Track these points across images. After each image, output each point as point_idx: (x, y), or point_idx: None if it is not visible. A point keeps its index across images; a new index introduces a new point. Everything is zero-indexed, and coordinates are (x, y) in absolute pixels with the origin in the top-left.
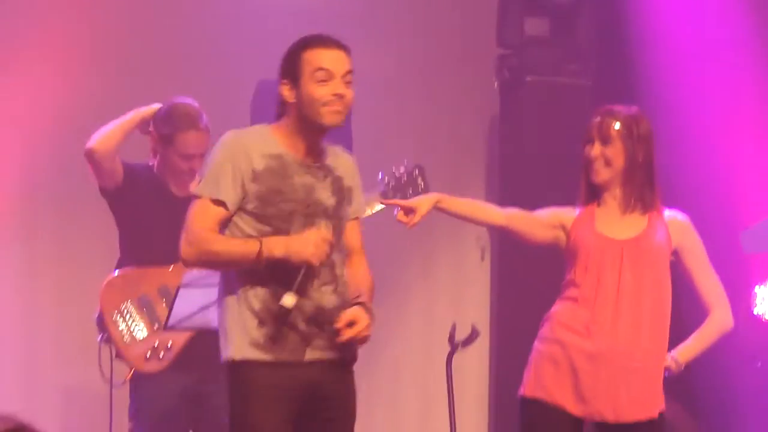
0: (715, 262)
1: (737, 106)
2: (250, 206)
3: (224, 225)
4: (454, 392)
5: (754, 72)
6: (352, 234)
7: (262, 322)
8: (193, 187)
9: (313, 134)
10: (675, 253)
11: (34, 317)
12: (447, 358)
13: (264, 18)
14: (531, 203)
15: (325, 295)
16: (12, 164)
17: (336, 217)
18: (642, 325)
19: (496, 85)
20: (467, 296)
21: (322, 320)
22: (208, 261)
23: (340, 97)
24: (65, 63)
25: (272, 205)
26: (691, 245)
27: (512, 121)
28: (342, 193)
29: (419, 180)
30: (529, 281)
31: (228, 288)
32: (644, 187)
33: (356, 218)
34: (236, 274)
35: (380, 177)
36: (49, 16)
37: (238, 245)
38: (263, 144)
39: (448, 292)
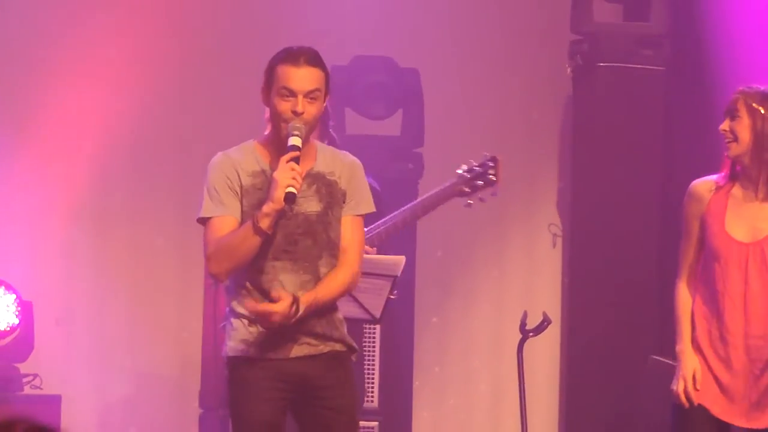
0: None
1: None
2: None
3: None
4: (525, 379)
5: None
6: (345, 231)
7: (252, 322)
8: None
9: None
10: None
11: (107, 310)
12: (518, 346)
13: (332, 19)
14: (601, 187)
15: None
16: (86, 163)
17: (322, 222)
18: None
19: (569, 70)
20: (538, 284)
21: (307, 319)
22: (229, 258)
23: (298, 114)
24: (141, 63)
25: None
26: None
27: (585, 106)
28: (332, 197)
29: (490, 172)
30: (600, 269)
31: (227, 291)
32: None
33: (356, 216)
34: (229, 287)
35: (459, 169)
36: (127, 16)
37: (240, 229)
38: (248, 162)
39: (520, 280)
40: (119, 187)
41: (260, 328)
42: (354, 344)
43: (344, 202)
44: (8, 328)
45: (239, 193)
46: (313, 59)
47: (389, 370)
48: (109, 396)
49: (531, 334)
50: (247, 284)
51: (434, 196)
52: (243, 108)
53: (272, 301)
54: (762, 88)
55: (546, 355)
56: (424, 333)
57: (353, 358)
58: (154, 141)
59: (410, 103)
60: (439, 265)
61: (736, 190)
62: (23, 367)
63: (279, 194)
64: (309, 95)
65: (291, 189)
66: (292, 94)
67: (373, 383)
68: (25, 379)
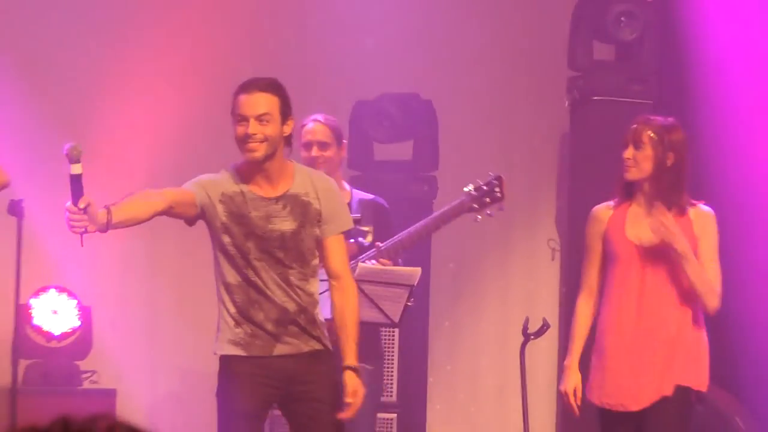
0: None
1: None
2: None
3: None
4: (527, 377)
5: None
6: (332, 254)
7: (237, 324)
8: None
9: (255, 167)
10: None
11: (158, 313)
12: (521, 347)
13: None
14: (595, 206)
15: (286, 302)
16: (137, 170)
17: (294, 239)
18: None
19: (566, 103)
20: (539, 292)
21: (286, 322)
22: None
23: (250, 136)
24: (187, 77)
25: (232, 234)
26: (706, 234)
27: (581, 134)
28: (305, 216)
29: (496, 189)
30: None
31: (217, 295)
32: (669, 191)
33: (338, 235)
34: (218, 284)
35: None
36: (173, 32)
37: (129, 200)
38: (227, 182)
39: (522, 289)
40: None
41: (246, 329)
42: (330, 345)
43: (319, 221)
44: (70, 330)
45: (211, 199)
46: (265, 86)
47: (406, 368)
48: (159, 391)
49: (532, 337)
50: (229, 281)
51: (446, 213)
52: None
53: (262, 299)
54: (661, 119)
55: (545, 355)
56: (437, 335)
57: (366, 367)
58: (199, 154)
59: (425, 132)
60: (451, 276)
61: (634, 207)
62: (83, 365)
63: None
64: (259, 118)
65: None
66: (244, 119)
67: (392, 380)
68: (84, 375)
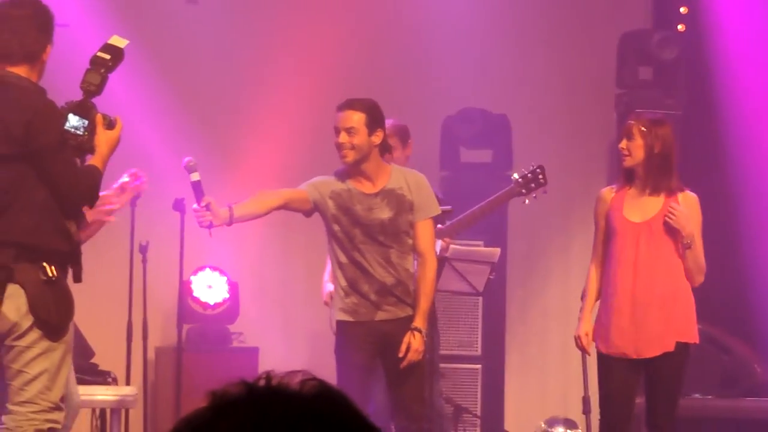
0: None
1: None
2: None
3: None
4: None
5: None
6: (420, 235)
7: (347, 295)
8: None
9: (356, 169)
10: None
11: (291, 285)
12: (580, 310)
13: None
14: None
15: (385, 277)
16: (275, 171)
17: (393, 225)
18: (656, 286)
19: (614, 115)
20: None
21: (386, 293)
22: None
23: (341, 144)
24: (302, 92)
25: (341, 224)
26: (691, 217)
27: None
28: (401, 206)
29: (540, 176)
30: None
31: (332, 272)
32: (659, 173)
33: (426, 219)
34: (333, 263)
35: (514, 175)
36: (305, 44)
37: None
38: (335, 182)
39: (580, 265)
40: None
41: (353, 299)
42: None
43: (412, 210)
44: (222, 301)
45: (322, 196)
46: (354, 104)
47: (488, 328)
48: (295, 348)
49: None
50: (341, 260)
51: (498, 198)
52: None
53: (366, 275)
54: (650, 114)
55: None
56: (513, 302)
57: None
58: (327, 146)
59: (502, 139)
60: (524, 254)
61: (632, 191)
62: (232, 328)
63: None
64: (347, 131)
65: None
66: (338, 131)
67: (477, 338)
68: (233, 336)
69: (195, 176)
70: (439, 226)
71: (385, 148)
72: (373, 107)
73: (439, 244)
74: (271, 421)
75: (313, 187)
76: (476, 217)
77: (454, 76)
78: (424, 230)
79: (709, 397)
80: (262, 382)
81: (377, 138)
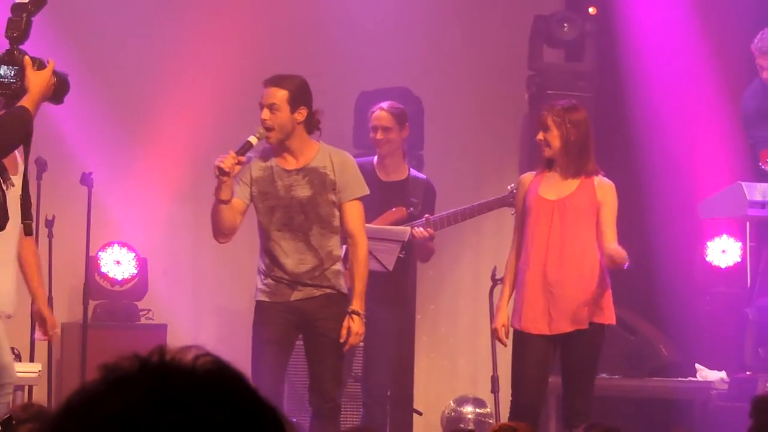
0: (680, 225)
1: (701, 110)
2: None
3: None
4: (493, 314)
5: (710, 79)
6: (347, 216)
7: (266, 276)
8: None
9: (279, 146)
10: (599, 206)
11: (201, 263)
12: (489, 291)
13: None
14: None
15: (299, 266)
16: (182, 153)
17: (312, 203)
18: (569, 265)
19: (526, 97)
20: (504, 247)
21: (301, 277)
22: (212, 224)
23: (263, 121)
24: (222, 69)
25: (259, 208)
26: (606, 203)
27: (537, 122)
28: (323, 184)
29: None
30: None
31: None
32: (578, 159)
33: (353, 200)
34: (260, 246)
35: (509, 186)
36: (212, 34)
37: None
38: (255, 166)
39: (491, 245)
40: (209, 169)
41: (271, 281)
42: (344, 291)
43: (335, 189)
44: (130, 277)
45: (246, 185)
46: (277, 81)
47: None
48: (202, 326)
49: (498, 282)
50: (262, 245)
51: (489, 202)
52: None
53: (278, 265)
54: (562, 103)
55: None
56: (423, 281)
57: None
58: (235, 134)
59: (414, 119)
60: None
61: (550, 174)
62: (140, 304)
63: (215, 171)
64: (269, 107)
65: (220, 165)
66: (261, 107)
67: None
68: (141, 313)
69: (253, 140)
70: (427, 216)
71: (312, 125)
72: (299, 84)
73: (421, 231)
74: (161, 395)
75: (239, 184)
76: (464, 217)
77: (369, 53)
78: (352, 210)
79: (616, 376)
80: (155, 357)
81: (300, 115)
